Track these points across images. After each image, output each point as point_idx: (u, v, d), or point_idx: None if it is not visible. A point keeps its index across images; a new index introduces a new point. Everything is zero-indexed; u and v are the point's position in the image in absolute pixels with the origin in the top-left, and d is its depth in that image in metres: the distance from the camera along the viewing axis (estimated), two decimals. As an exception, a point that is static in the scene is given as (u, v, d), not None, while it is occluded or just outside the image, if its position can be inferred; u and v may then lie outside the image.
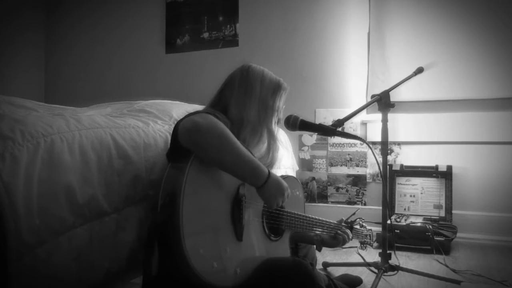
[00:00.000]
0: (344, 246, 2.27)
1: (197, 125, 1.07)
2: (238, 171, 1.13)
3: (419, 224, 2.38)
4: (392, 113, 1.79)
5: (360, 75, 2.93)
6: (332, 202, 3.02)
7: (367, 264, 1.96)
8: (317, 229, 1.51)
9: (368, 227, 1.81)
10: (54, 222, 1.01)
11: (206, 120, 1.09)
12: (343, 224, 1.63)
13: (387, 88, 1.80)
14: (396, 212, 2.71)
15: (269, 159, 1.40)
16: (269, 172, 1.17)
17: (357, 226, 1.72)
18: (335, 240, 1.56)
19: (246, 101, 1.35)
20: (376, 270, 1.77)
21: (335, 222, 1.60)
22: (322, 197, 3.04)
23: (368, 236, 1.78)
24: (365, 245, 1.78)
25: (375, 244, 2.32)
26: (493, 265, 2.05)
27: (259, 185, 1.15)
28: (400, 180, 2.77)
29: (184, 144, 1.09)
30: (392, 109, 1.77)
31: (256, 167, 1.14)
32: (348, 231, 1.60)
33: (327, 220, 1.56)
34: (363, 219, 1.77)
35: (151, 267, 1.06)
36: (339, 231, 1.57)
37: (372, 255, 2.16)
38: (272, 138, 1.40)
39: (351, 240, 1.63)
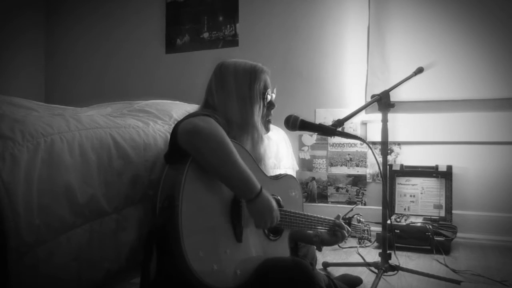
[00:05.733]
0: (344, 246, 2.29)
1: (197, 128, 1.06)
2: (230, 181, 1.12)
3: (419, 224, 2.38)
4: (392, 113, 1.79)
5: (360, 75, 2.93)
6: (332, 202, 3.01)
7: (367, 264, 1.96)
8: (316, 226, 1.51)
9: (366, 222, 1.81)
10: (54, 222, 1.02)
11: (207, 124, 1.08)
12: (341, 220, 1.64)
13: (386, 88, 1.80)
14: (396, 212, 2.71)
15: (256, 153, 1.36)
16: (261, 189, 1.15)
17: (355, 222, 1.72)
18: (335, 237, 1.56)
19: (226, 103, 1.33)
20: (376, 270, 1.77)
21: (333, 219, 1.61)
22: (322, 197, 3.04)
23: (365, 231, 1.78)
24: (363, 240, 1.79)
25: (375, 244, 2.33)
26: (493, 265, 2.06)
27: (248, 198, 1.13)
28: (400, 180, 2.77)
29: (183, 145, 1.08)
30: (392, 109, 1.77)
31: (248, 180, 1.12)
32: (346, 227, 1.61)
33: (326, 217, 1.56)
34: (361, 215, 1.78)
35: (149, 271, 1.06)
36: (337, 228, 1.57)
37: (372, 255, 2.16)
38: (253, 130, 1.34)
39: (350, 235, 1.63)
